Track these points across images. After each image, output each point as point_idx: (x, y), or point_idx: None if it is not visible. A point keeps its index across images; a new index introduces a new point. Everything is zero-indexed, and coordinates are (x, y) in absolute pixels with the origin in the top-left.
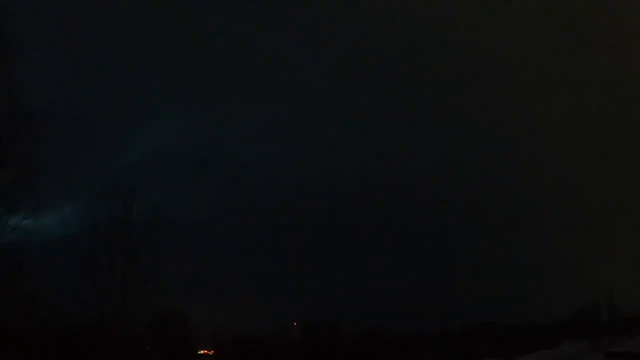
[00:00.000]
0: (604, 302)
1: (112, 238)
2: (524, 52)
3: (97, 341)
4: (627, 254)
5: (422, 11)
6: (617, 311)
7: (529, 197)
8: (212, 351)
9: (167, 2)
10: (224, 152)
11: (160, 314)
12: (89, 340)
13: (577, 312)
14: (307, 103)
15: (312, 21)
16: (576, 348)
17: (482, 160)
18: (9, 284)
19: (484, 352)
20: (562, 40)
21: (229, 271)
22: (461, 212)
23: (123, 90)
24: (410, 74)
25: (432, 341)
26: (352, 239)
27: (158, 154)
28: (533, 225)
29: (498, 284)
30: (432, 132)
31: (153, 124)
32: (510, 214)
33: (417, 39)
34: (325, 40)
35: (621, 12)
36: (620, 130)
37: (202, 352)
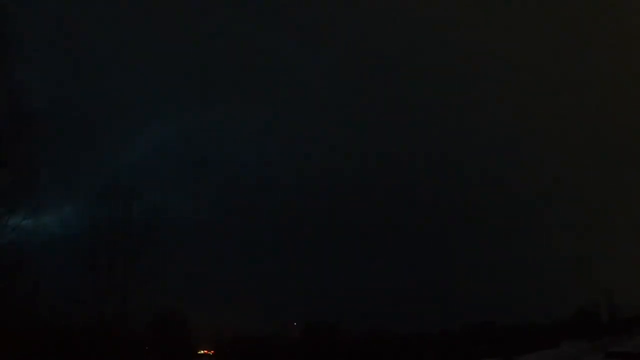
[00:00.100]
0: (604, 302)
1: (112, 238)
2: (524, 52)
3: (97, 341)
4: (627, 254)
5: (422, 11)
6: (617, 311)
7: (529, 197)
8: (212, 351)
9: (167, 2)
10: (224, 152)
11: (160, 314)
12: (89, 340)
13: (577, 312)
14: (307, 103)
15: (312, 21)
16: (576, 348)
17: (482, 160)
18: (9, 284)
19: (484, 352)
20: (562, 40)
21: (229, 271)
22: (461, 212)
23: (123, 90)
24: (410, 74)
25: (432, 341)
26: (352, 239)
27: (158, 154)
28: (533, 225)
29: (498, 284)
30: (432, 132)
31: (153, 124)
32: (510, 214)
33: (417, 39)
34: (325, 40)
35: (621, 12)
36: (620, 130)
37: (202, 352)
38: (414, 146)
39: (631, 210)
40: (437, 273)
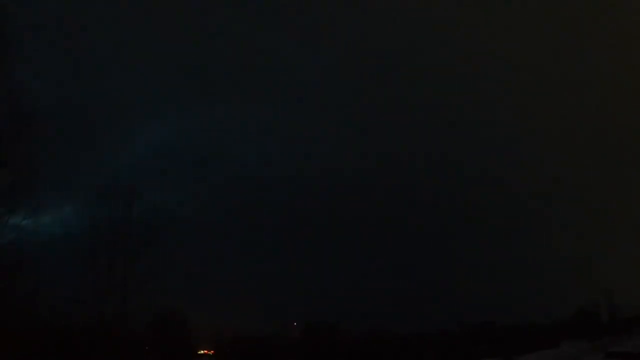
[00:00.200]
0: (604, 302)
1: (112, 238)
2: (524, 52)
3: (97, 341)
4: (627, 254)
5: (422, 11)
6: (617, 311)
7: (529, 197)
8: (212, 351)
9: (167, 2)
10: (224, 152)
11: (160, 314)
12: (89, 340)
13: (577, 312)
14: (307, 103)
15: (312, 21)
16: (576, 348)
17: (482, 160)
18: (9, 284)
19: (484, 352)
20: (562, 40)
21: (229, 271)
22: (461, 212)
23: (123, 90)
24: (410, 74)
25: (432, 341)
26: (352, 239)
27: (158, 154)
28: (533, 225)
29: (498, 284)
30: (432, 132)
31: (153, 124)
32: (510, 214)
33: (417, 39)
34: (325, 40)
35: (621, 12)
36: (620, 130)
37: (202, 352)
38: (414, 146)
39: (631, 210)
40: (437, 273)
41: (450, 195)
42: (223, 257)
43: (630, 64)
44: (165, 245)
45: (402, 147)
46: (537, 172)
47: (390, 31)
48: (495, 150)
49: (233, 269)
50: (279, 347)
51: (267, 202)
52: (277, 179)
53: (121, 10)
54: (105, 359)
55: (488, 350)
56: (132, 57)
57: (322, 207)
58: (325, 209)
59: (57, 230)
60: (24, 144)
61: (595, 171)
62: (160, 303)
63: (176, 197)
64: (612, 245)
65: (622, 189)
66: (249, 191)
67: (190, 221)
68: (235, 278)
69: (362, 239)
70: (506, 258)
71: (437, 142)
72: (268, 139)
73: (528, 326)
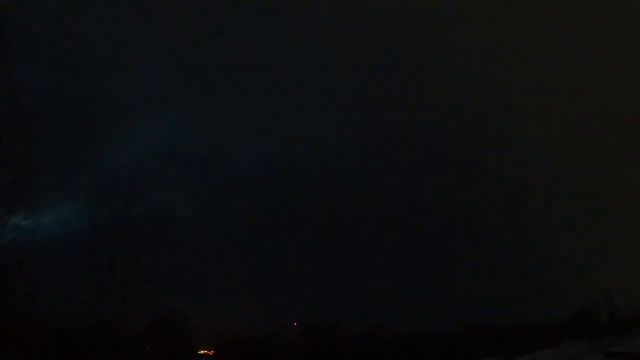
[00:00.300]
0: (604, 302)
1: (112, 238)
2: (524, 52)
3: (97, 341)
4: (627, 254)
5: (422, 11)
6: (617, 311)
7: (529, 197)
8: (212, 351)
9: (167, 2)
10: (224, 152)
11: (160, 314)
12: (89, 340)
13: (577, 312)
14: (307, 103)
15: (312, 21)
16: (576, 348)
17: (482, 160)
18: (9, 284)
19: (484, 352)
20: (562, 40)
21: (229, 271)
22: (461, 212)
23: (123, 90)
24: (410, 74)
25: (432, 341)
26: (352, 239)
27: (158, 154)
28: (533, 225)
29: (498, 284)
30: (432, 132)
31: (153, 124)
32: (510, 214)
33: (417, 39)
34: (325, 40)
35: (621, 12)
36: (620, 130)
37: (202, 352)
38: (414, 146)
39: (631, 210)
40: (437, 273)
41: (450, 195)
42: (223, 257)
43: (630, 64)
44: (165, 245)
45: (402, 147)
46: (537, 172)
47: (390, 31)
48: (495, 150)
49: (233, 269)
50: (279, 347)
51: (267, 202)
52: (277, 179)
53: (121, 10)
54: (105, 359)
55: (488, 350)
56: (132, 57)
57: (322, 207)
58: (325, 209)
59: (57, 230)
60: (24, 144)
61: (595, 171)
62: (160, 303)
63: (176, 197)
64: (612, 245)
65: (622, 189)
66: (249, 191)
67: (190, 221)
68: (235, 278)
69: (362, 239)
70: (506, 258)
71: (437, 142)
72: (268, 139)
73: (528, 326)
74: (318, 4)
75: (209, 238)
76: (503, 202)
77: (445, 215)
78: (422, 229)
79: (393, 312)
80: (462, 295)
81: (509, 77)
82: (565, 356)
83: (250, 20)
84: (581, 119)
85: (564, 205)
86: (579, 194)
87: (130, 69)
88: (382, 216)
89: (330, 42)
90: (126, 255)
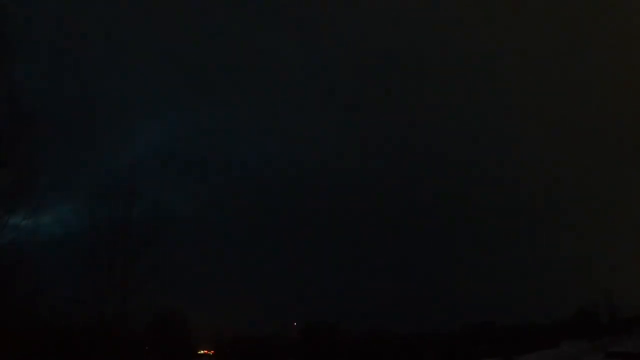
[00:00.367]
0: (604, 302)
1: (112, 238)
2: (524, 52)
3: (97, 341)
4: (627, 254)
5: (422, 11)
6: (617, 311)
7: (529, 197)
8: (212, 351)
9: (167, 2)
10: (224, 152)
11: (160, 314)
12: (89, 340)
13: (577, 312)
14: (307, 103)
15: (312, 21)
16: (576, 348)
17: (482, 160)
18: (9, 284)
19: (484, 352)
20: (562, 40)
21: (229, 271)
22: (461, 212)
23: (123, 90)
24: (410, 74)
25: (432, 341)
26: (352, 239)
27: (158, 154)
28: (533, 226)
29: (498, 284)
30: (432, 132)
31: (153, 124)
32: (510, 214)
33: (417, 39)
34: (325, 40)
35: (621, 12)
36: (620, 130)
37: (202, 352)
38: (414, 146)
39: (631, 210)
40: (437, 273)
41: (450, 195)
42: (223, 257)
43: (630, 64)
44: (165, 245)
45: (402, 147)
46: (537, 172)
47: (390, 31)
48: (495, 150)
49: (233, 269)
50: (279, 347)
51: (267, 202)
52: (277, 179)
53: (121, 10)
54: (105, 359)
55: (488, 350)
56: (132, 57)
57: (322, 207)
58: (325, 209)
59: (57, 230)
60: (24, 144)
61: (595, 171)
62: (160, 303)
63: (176, 197)
64: (612, 245)
65: (622, 189)
66: (248, 191)
67: (190, 221)
68: (235, 278)
69: (362, 239)
70: (506, 258)
71: (437, 142)
72: (268, 139)
73: (528, 326)
74: (318, 4)
75: (209, 238)
76: (503, 202)
77: (445, 215)
78: (422, 229)
79: (393, 312)
80: (462, 295)
81: (509, 77)
82: (565, 356)
83: (250, 20)
84: (581, 119)
85: (564, 205)
86: (579, 194)
87: (130, 69)
88: (382, 216)
89: (330, 42)
90: (126, 255)
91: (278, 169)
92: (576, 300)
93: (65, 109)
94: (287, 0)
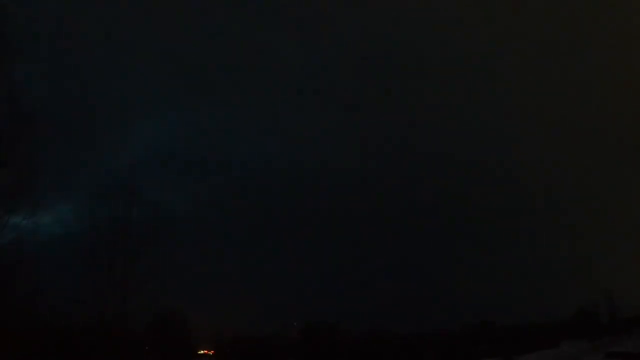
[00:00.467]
0: (604, 302)
1: (112, 238)
2: (524, 52)
3: (97, 341)
4: (627, 254)
5: (422, 11)
6: (617, 311)
7: (529, 197)
8: (212, 351)
9: (167, 2)
10: (224, 152)
11: (160, 314)
12: (89, 340)
13: (577, 312)
14: (307, 103)
15: (312, 21)
16: (576, 348)
17: (482, 160)
18: (9, 284)
19: (484, 352)
20: (562, 40)
21: (229, 271)
22: (461, 212)
23: (123, 90)
24: (410, 74)
25: (432, 341)
26: (352, 239)
27: (158, 154)
28: (533, 226)
29: (498, 284)
30: (432, 132)
31: (153, 124)
32: (510, 214)
33: (417, 39)
34: (325, 40)
35: (621, 12)
36: (620, 130)
37: (202, 352)
38: (414, 146)
39: (631, 210)
40: (437, 273)
41: (450, 195)
42: (223, 257)
43: (630, 64)
44: (165, 245)
45: (402, 147)
46: (537, 172)
47: (390, 31)
48: (496, 150)
49: (233, 269)
50: (279, 347)
51: (267, 202)
52: (277, 179)
53: (121, 10)
54: (105, 359)
55: (488, 350)
56: (132, 57)
57: (322, 207)
58: (325, 209)
59: (57, 230)
60: (24, 144)
61: (595, 171)
62: (160, 303)
63: (176, 197)
64: (612, 245)
65: (622, 189)
66: (248, 191)
67: (190, 221)
68: (235, 278)
69: (362, 239)
70: (506, 258)
71: (437, 142)
72: (268, 139)
73: (528, 326)
74: (318, 4)
75: (209, 238)
76: (503, 202)
77: (445, 215)
78: (422, 229)
79: (393, 312)
80: (462, 295)
81: (509, 77)
82: (565, 356)
83: (250, 20)
84: (581, 119)
85: (564, 205)
86: (579, 194)
87: (130, 69)
88: (382, 216)
89: (330, 42)
90: (126, 255)
91: (278, 169)
92: (576, 300)
93: (65, 109)
94: (287, 0)
